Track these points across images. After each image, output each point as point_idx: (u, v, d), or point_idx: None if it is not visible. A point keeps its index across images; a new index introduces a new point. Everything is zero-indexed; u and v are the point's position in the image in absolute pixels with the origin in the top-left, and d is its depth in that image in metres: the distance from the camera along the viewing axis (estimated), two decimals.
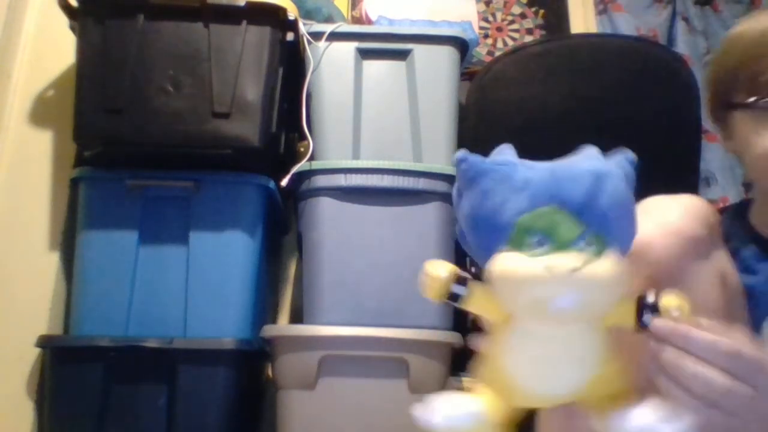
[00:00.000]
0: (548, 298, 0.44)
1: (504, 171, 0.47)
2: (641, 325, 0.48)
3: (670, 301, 0.48)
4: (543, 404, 0.51)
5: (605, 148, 0.53)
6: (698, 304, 0.61)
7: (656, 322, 0.48)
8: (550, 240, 0.44)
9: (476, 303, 0.50)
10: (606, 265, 0.45)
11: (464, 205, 0.49)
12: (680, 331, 0.48)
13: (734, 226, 0.78)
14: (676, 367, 0.49)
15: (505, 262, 0.46)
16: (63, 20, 1.29)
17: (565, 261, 0.44)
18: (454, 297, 0.50)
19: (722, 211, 0.83)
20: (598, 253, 0.45)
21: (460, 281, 0.50)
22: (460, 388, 1.35)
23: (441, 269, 0.50)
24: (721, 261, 0.66)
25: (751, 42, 0.72)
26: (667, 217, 0.63)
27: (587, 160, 0.49)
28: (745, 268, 0.72)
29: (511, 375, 0.48)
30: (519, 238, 0.45)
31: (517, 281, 0.45)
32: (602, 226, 0.46)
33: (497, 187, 0.47)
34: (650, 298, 0.48)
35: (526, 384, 0.48)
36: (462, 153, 0.49)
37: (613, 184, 0.47)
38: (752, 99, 0.71)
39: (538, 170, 0.48)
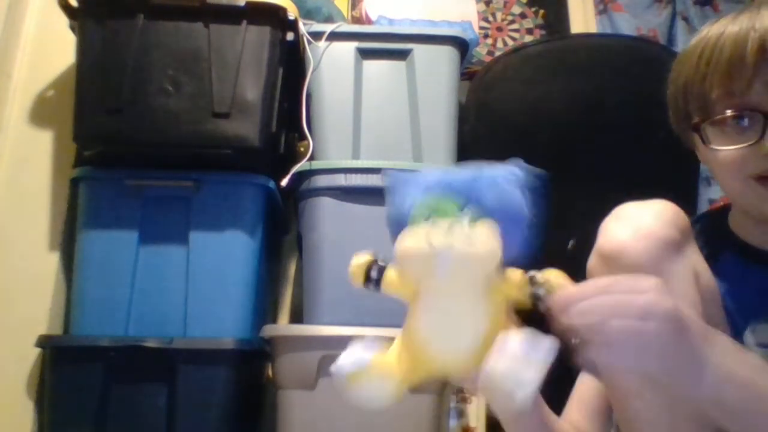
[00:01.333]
0: (430, 260, 0.51)
1: (409, 178, 0.58)
2: (533, 298, 0.55)
3: (545, 276, 0.55)
4: (447, 365, 0.56)
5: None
6: None
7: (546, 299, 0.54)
8: (435, 217, 0.53)
9: (390, 284, 0.58)
10: (478, 235, 0.52)
11: (388, 208, 0.59)
12: (554, 301, 0.54)
13: (713, 232, 0.78)
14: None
15: (400, 238, 0.54)
16: (63, 20, 1.29)
17: (442, 229, 0.52)
18: (371, 280, 0.59)
19: (702, 216, 0.84)
20: (473, 226, 0.53)
21: (378, 267, 0.58)
22: (460, 388, 1.34)
23: (361, 258, 0.59)
24: (694, 261, 0.68)
25: (697, 61, 0.72)
26: (639, 222, 0.65)
27: (477, 167, 0.57)
28: (724, 273, 0.72)
29: (418, 339, 0.55)
30: (414, 219, 0.55)
31: (406, 250, 0.53)
32: (480, 210, 0.54)
33: (403, 189, 0.58)
34: (535, 275, 0.55)
35: (429, 345, 0.55)
36: (388, 171, 0.61)
37: (493, 182, 0.56)
38: (701, 120, 0.72)
39: (435, 174, 0.58)
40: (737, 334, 0.70)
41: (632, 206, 0.69)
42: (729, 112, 0.69)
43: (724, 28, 0.71)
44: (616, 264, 0.65)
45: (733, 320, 0.71)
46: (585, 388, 0.82)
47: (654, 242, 0.64)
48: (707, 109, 0.71)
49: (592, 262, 0.69)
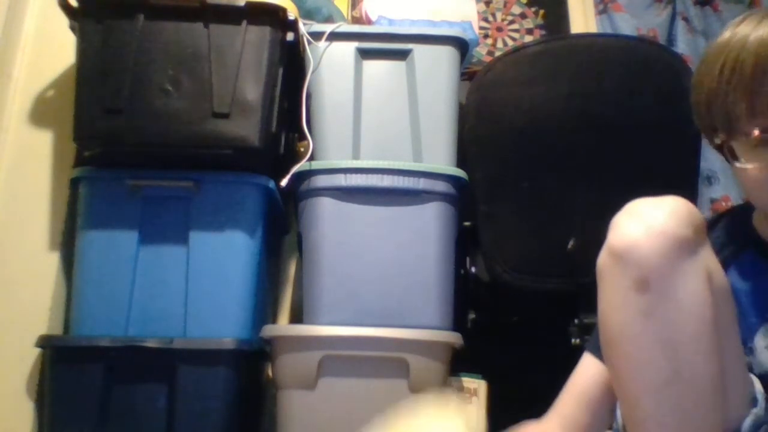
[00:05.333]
0: None
1: None
2: None
3: None
4: None
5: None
6: (687, 303, 0.61)
7: None
8: None
9: None
10: None
11: None
12: None
13: (737, 229, 0.77)
14: None
15: None
16: (63, 20, 1.29)
17: None
18: None
19: (725, 213, 0.83)
20: None
21: None
22: (460, 388, 1.35)
23: None
24: (707, 260, 0.66)
25: (719, 73, 0.70)
26: (652, 219, 0.63)
27: None
28: (744, 271, 0.71)
29: None
30: None
31: None
32: None
33: None
34: None
35: None
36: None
37: None
38: (726, 138, 0.70)
39: None
40: (749, 334, 0.69)
41: (645, 202, 0.66)
42: (754, 132, 0.67)
43: (747, 36, 0.68)
44: (628, 262, 0.62)
45: (747, 319, 0.70)
46: (583, 379, 0.81)
47: (667, 240, 0.62)
48: (731, 126, 0.69)
49: (603, 259, 0.67)
